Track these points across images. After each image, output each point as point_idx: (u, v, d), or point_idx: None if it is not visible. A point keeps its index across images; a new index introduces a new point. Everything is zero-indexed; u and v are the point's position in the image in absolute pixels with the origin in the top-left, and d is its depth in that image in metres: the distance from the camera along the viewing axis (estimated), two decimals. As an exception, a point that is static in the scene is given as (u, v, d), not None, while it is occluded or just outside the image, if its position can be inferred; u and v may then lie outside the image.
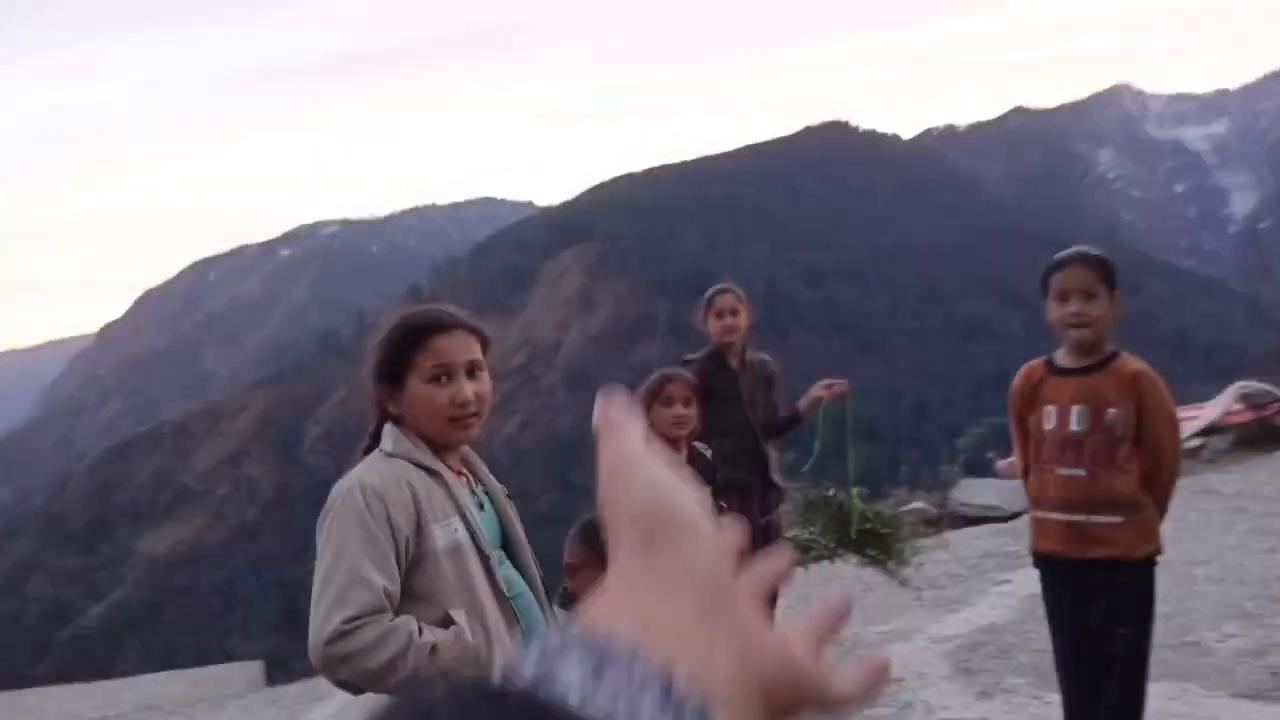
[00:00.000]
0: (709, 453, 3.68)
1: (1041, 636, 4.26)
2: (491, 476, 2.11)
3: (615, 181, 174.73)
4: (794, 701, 0.35)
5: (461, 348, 1.95)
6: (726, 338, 4.07)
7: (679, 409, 3.39)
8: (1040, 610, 4.62)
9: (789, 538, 4.03)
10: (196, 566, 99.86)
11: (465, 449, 2.05)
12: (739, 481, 3.91)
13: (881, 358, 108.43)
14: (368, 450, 2.00)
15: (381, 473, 1.84)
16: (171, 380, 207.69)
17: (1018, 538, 6.19)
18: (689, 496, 0.37)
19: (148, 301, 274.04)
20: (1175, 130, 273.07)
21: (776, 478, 4.10)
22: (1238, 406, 7.64)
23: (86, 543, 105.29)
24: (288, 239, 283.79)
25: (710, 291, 4.21)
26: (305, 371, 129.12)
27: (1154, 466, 2.58)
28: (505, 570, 1.96)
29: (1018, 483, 7.92)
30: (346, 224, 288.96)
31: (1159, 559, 2.61)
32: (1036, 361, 2.77)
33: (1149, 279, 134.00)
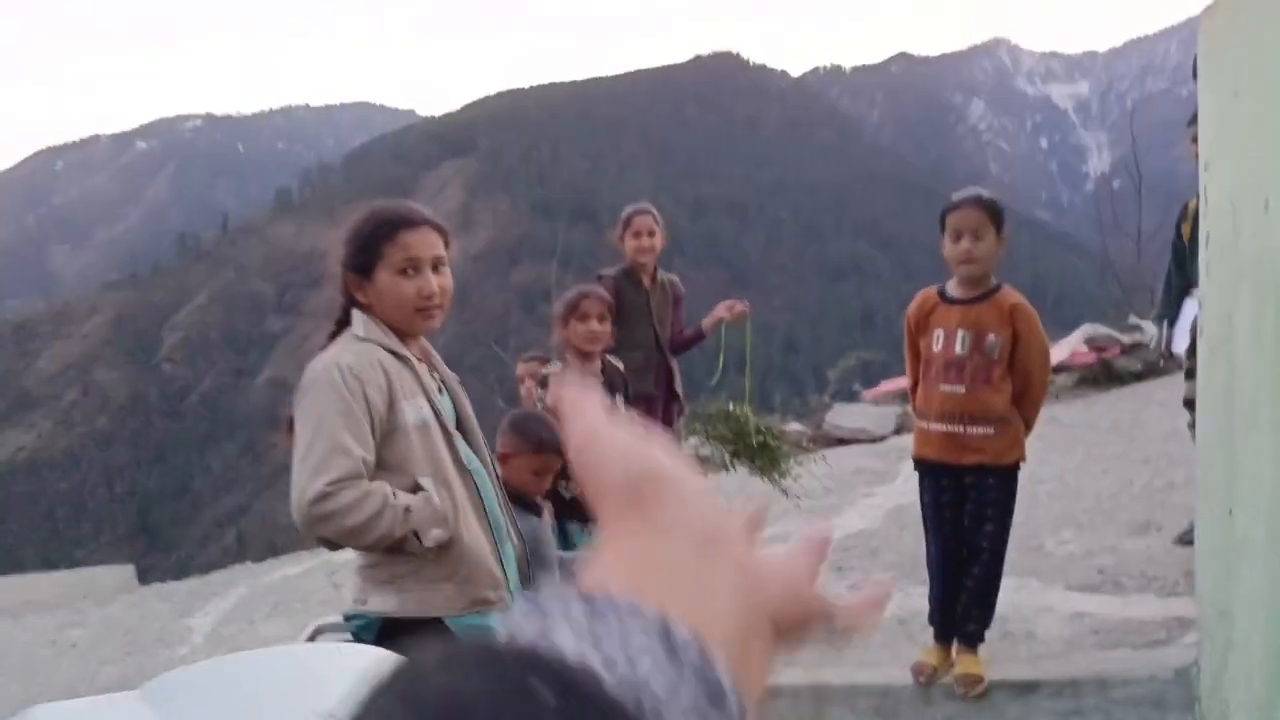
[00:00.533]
0: (620, 365, 3.90)
1: (903, 540, 4.75)
2: (444, 365, 2.28)
3: (500, 96, 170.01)
4: (802, 629, 0.36)
5: (428, 243, 2.11)
6: (641, 257, 4.26)
7: (594, 324, 3.60)
8: (902, 518, 5.13)
9: (691, 448, 4.30)
10: (41, 475, 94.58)
11: (422, 340, 2.21)
12: (645, 393, 4.17)
13: (757, 292, 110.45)
14: (334, 334, 2.14)
15: (356, 354, 1.99)
16: (13, 277, 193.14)
17: (884, 457, 6.74)
18: (664, 452, 0.37)
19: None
20: (1044, 87, 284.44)
21: (679, 390, 4.38)
22: (1083, 348, 8.36)
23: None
24: (144, 131, 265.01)
25: (628, 211, 4.37)
26: (163, 274, 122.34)
27: (1024, 386, 2.96)
28: (462, 447, 2.15)
29: (885, 408, 8.45)
30: (210, 119, 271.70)
31: (1022, 465, 3.01)
32: (930, 290, 3.10)
33: (1010, 229, 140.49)
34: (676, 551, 0.33)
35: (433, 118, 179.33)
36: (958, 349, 2.94)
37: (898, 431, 7.48)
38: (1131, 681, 2.83)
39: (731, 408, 4.34)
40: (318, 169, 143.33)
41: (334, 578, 6.08)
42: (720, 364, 4.56)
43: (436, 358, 2.26)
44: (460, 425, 2.21)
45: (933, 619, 3.11)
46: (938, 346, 2.98)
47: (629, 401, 3.89)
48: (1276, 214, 2.12)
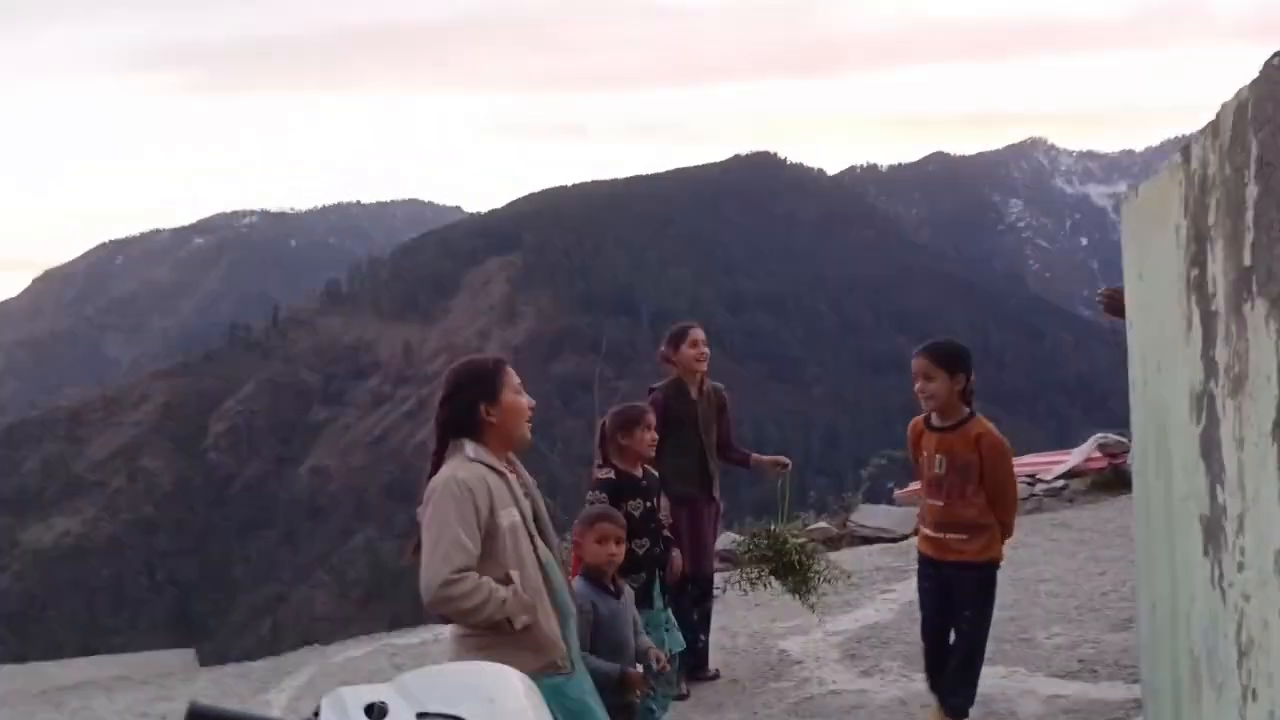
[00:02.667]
0: (655, 473, 4.55)
1: (913, 632, 5.26)
2: (526, 473, 2.98)
3: (545, 194, 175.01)
4: None
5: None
6: (699, 366, 4.90)
7: (652, 434, 4.29)
8: (914, 611, 5.64)
9: (739, 572, 4.94)
10: (84, 561, 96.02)
11: (510, 455, 2.91)
12: (689, 495, 4.79)
13: (796, 385, 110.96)
14: (434, 461, 2.84)
15: (468, 471, 2.70)
16: (71, 365, 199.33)
17: (903, 555, 7.24)
18: None
19: (48, 282, 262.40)
20: (1083, 186, 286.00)
21: (716, 494, 4.99)
22: (1096, 454, 8.85)
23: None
24: (202, 227, 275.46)
25: (681, 325, 5.04)
26: (213, 363, 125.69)
27: (996, 498, 3.60)
28: (538, 542, 2.83)
29: (909, 509, 8.95)
30: (265, 215, 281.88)
31: (1000, 564, 3.63)
32: (919, 418, 3.78)
33: (1052, 325, 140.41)
34: None
35: (479, 214, 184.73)
36: (936, 469, 3.60)
37: (916, 532, 7.99)
38: (1089, 752, 3.35)
39: (773, 527, 4.95)
40: (368, 263, 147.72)
41: (394, 659, 6.67)
42: (780, 509, 5.13)
43: (520, 467, 2.96)
44: (536, 521, 2.90)
45: (929, 684, 3.72)
46: (924, 466, 3.65)
47: (669, 501, 4.53)
48: (1163, 373, 2.76)
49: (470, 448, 2.76)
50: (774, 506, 5.30)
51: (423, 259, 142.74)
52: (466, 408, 2.79)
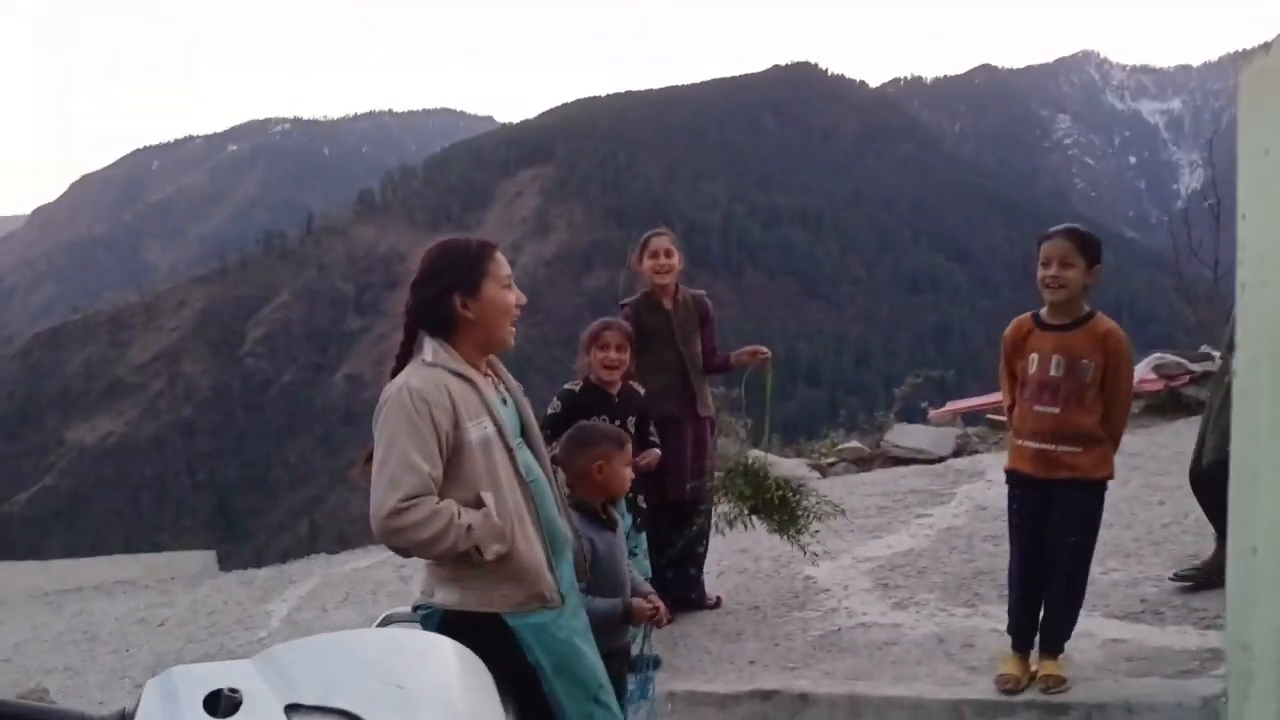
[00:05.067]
0: (641, 390, 4.11)
1: (951, 561, 4.85)
2: (510, 376, 2.52)
3: (578, 104, 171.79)
4: None
5: (507, 262, 2.41)
6: (659, 279, 4.42)
7: (612, 354, 3.90)
8: (953, 539, 5.23)
9: (716, 507, 4.38)
10: (127, 460, 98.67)
11: (492, 357, 2.46)
12: (671, 414, 4.33)
13: (830, 303, 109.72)
14: (400, 357, 2.38)
15: (423, 378, 2.23)
16: (109, 269, 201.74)
17: (940, 478, 6.79)
18: None
19: (85, 186, 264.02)
20: (1134, 102, 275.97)
21: (705, 411, 4.51)
22: (1151, 376, 8.27)
23: (13, 430, 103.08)
24: (235, 134, 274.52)
25: (645, 235, 4.55)
26: (249, 270, 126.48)
27: (1113, 407, 3.14)
28: (524, 455, 2.39)
29: (947, 429, 8.47)
30: (298, 123, 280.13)
31: (1109, 483, 3.17)
32: (1026, 316, 3.30)
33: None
34: None
35: (511, 124, 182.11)
36: (1052, 372, 3.12)
37: (957, 454, 7.53)
38: (1157, 708, 2.93)
39: (750, 460, 4.40)
40: (400, 172, 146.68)
41: (401, 571, 6.40)
42: (745, 409, 4.65)
43: (503, 369, 2.50)
44: (524, 433, 2.45)
45: (1012, 628, 3.28)
46: (1033, 369, 3.18)
47: (652, 424, 4.09)
48: (1297, 267, 2.23)
49: (430, 349, 2.30)
50: (805, 424, 4.81)
51: (455, 169, 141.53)
52: (439, 298, 2.32)
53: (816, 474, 7.41)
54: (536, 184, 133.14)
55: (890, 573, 4.77)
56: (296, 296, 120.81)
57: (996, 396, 11.01)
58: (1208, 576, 3.94)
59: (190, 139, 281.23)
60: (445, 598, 2.28)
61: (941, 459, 7.41)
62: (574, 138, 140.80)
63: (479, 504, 2.22)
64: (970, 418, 10.14)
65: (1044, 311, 3.26)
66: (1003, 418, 8.27)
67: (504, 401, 2.42)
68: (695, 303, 4.60)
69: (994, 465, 6.91)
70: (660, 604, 2.88)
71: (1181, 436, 7.18)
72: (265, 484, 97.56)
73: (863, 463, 7.70)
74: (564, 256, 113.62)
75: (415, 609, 2.37)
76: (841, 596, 4.49)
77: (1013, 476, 3.30)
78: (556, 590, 2.34)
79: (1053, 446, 3.14)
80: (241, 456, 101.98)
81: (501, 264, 2.38)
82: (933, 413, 11.26)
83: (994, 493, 6.17)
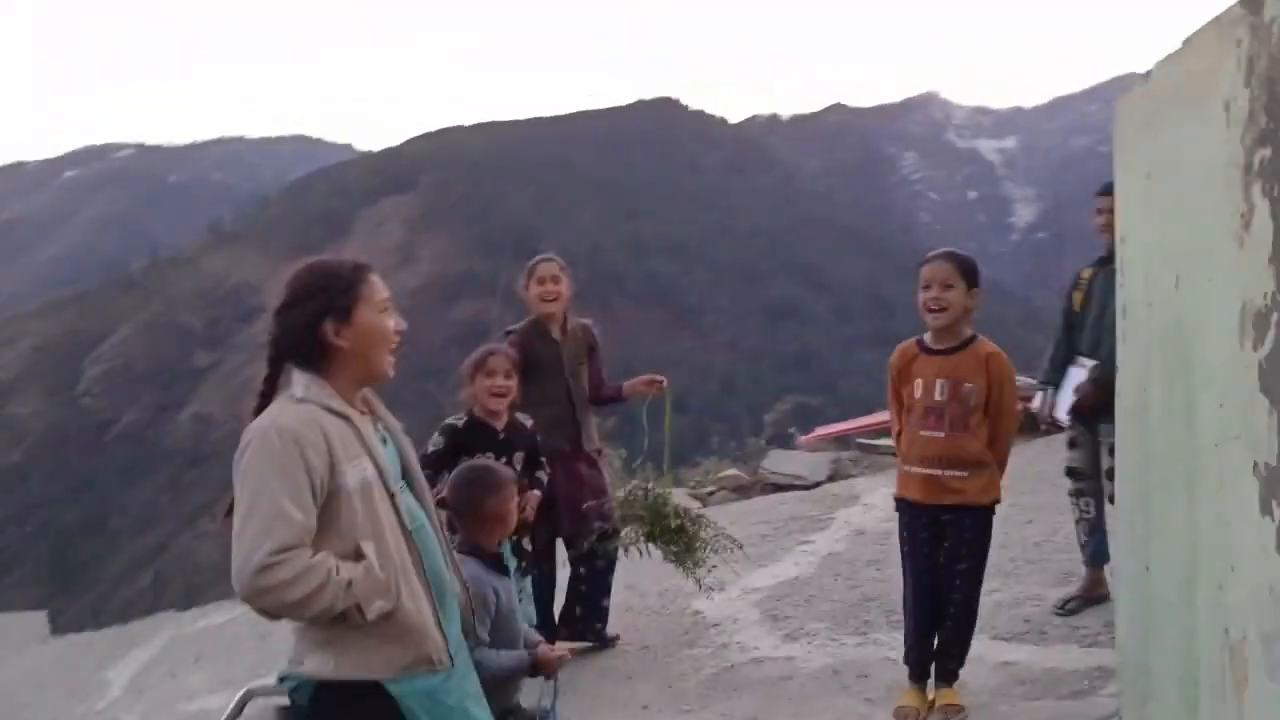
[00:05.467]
0: (529, 423, 3.93)
1: (837, 588, 4.82)
2: (389, 414, 2.28)
3: (442, 133, 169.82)
4: None
5: (384, 285, 2.17)
6: (545, 307, 4.27)
7: (500, 380, 3.72)
8: (836, 565, 5.21)
9: (607, 549, 4.18)
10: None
11: (365, 390, 2.22)
12: (558, 448, 4.16)
13: (697, 332, 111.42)
14: (263, 394, 2.12)
15: (294, 416, 1.97)
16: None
17: (819, 503, 6.83)
18: None
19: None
20: (973, 141, 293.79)
21: (590, 445, 4.36)
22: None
23: None
24: (74, 159, 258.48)
25: (532, 260, 4.40)
26: (86, 304, 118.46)
27: (998, 432, 3.12)
28: (407, 500, 2.15)
29: (821, 455, 8.55)
30: (142, 149, 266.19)
31: (997, 507, 3.16)
32: (910, 341, 3.26)
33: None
34: None
35: (371, 152, 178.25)
36: (937, 396, 3.08)
37: (832, 479, 7.60)
38: (1054, 732, 2.92)
39: (650, 485, 4.29)
40: (255, 201, 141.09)
41: (258, 628, 5.92)
42: (645, 445, 4.55)
43: (381, 407, 2.27)
44: (405, 475, 2.22)
45: (908, 658, 3.21)
46: (918, 394, 3.14)
47: (540, 458, 3.91)
48: (1185, 289, 2.26)
49: (300, 383, 2.05)
50: (675, 450, 4.68)
51: (313, 197, 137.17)
52: (308, 326, 2.07)
53: (698, 503, 7.33)
54: (400, 213, 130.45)
55: (778, 603, 4.70)
56: (139, 331, 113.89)
57: (864, 420, 11.30)
58: (1086, 602, 4.02)
59: (22, 165, 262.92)
60: (318, 666, 2.01)
61: (818, 484, 7.46)
62: (439, 167, 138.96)
63: (358, 556, 1.98)
64: (839, 442, 10.33)
65: (928, 336, 3.26)
66: (876, 441, 8.46)
67: (383, 441, 2.19)
68: (584, 331, 4.45)
69: (868, 489, 7.01)
70: (564, 649, 2.70)
71: (1042, 456, 7.46)
72: (105, 531, 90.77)
73: (742, 490, 7.68)
74: (430, 287, 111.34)
75: (281, 680, 2.10)
76: (732, 630, 4.38)
77: (902, 504, 3.27)
78: (445, 651, 2.11)
79: (940, 472, 3.12)
80: (79, 503, 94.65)
81: (378, 287, 2.14)
82: (802, 439, 11.43)
83: (871, 516, 6.23)
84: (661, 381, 4.38)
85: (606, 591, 4.37)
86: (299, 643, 2.06)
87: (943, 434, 3.09)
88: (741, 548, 4.51)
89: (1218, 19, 2.03)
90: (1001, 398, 3.13)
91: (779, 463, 7.76)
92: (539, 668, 2.59)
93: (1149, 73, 2.53)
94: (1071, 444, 4.09)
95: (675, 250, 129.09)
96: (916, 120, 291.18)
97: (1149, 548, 2.54)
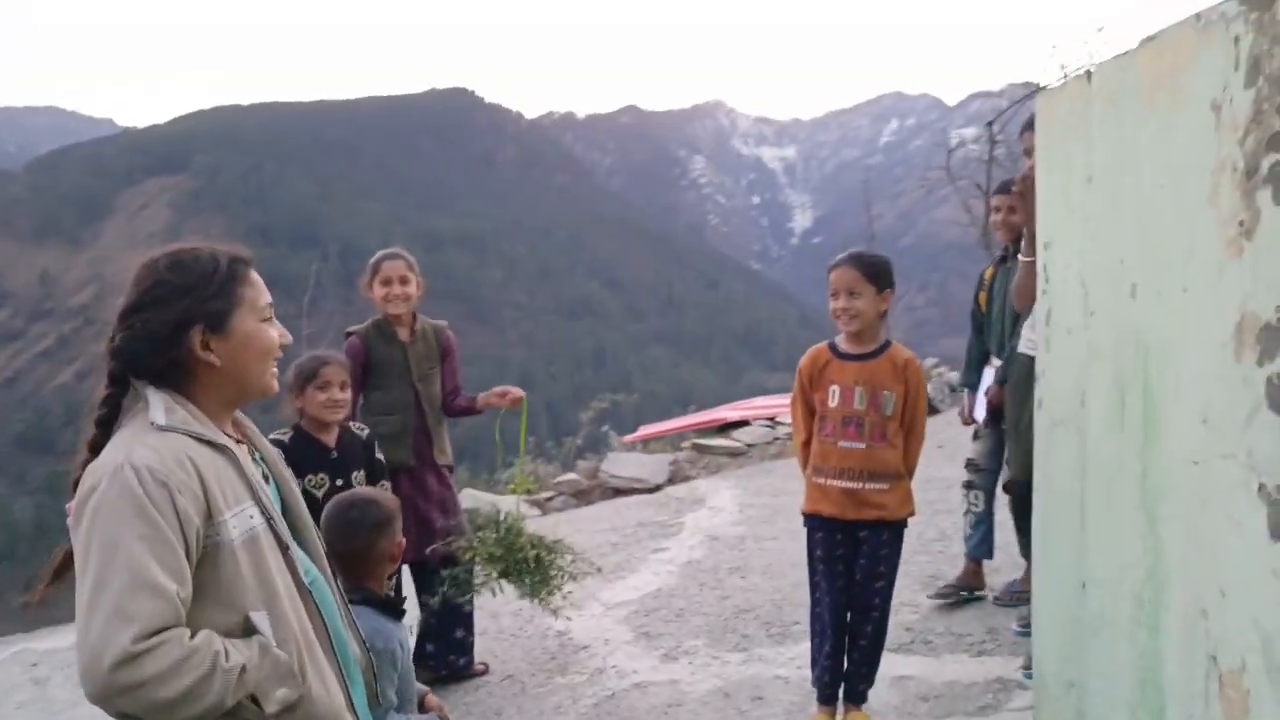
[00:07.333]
0: (364, 433, 3.51)
1: (707, 600, 4.63)
2: (265, 442, 1.83)
3: (217, 111, 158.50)
4: None
5: (264, 285, 1.73)
6: (392, 308, 3.86)
7: (335, 393, 3.34)
8: (699, 575, 5.02)
9: (458, 575, 3.75)
10: None
11: (238, 412, 1.76)
12: (403, 463, 3.75)
13: (493, 328, 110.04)
14: (103, 420, 1.63)
15: (157, 450, 1.50)
16: None
17: (664, 507, 6.66)
18: None
19: None
20: (757, 148, 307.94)
21: (443, 459, 3.97)
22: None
23: None
24: None
25: (376, 256, 3.98)
26: None
27: (911, 441, 2.99)
28: (299, 557, 1.71)
29: (660, 457, 8.38)
30: None
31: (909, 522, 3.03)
32: (822, 345, 3.05)
33: (726, 277, 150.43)
34: None
35: (135, 129, 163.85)
36: (856, 404, 2.91)
37: (671, 481, 7.47)
38: (973, 752, 2.83)
39: (503, 516, 3.91)
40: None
41: (34, 672, 5.03)
42: (499, 459, 4.20)
43: (255, 433, 1.81)
44: (286, 515, 1.77)
45: (820, 680, 3.03)
46: (834, 402, 2.97)
47: (381, 474, 3.50)
48: (1145, 299, 2.19)
49: (160, 405, 1.57)
50: (473, 449, 4.32)
51: (67, 175, 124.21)
52: (169, 336, 1.60)
53: (537, 510, 6.98)
54: (166, 195, 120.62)
55: (647, 619, 4.45)
56: None
57: (688, 420, 11.29)
58: (962, 591, 4.06)
59: None
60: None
61: (659, 487, 7.30)
62: (213, 148, 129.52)
63: (247, 630, 1.53)
64: (663, 441, 10.26)
65: (840, 340, 3.10)
66: (710, 441, 8.41)
67: (265, 478, 1.74)
68: (436, 334, 4.03)
69: (711, 491, 6.92)
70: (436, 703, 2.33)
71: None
72: None
73: (581, 495, 7.40)
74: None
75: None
76: (604, 653, 4.09)
77: (814, 521, 3.08)
78: (359, 730, 1.70)
79: (860, 485, 2.97)
80: None
81: (259, 288, 1.70)
82: (624, 438, 11.29)
83: (720, 520, 6.13)
84: (519, 394, 4.03)
85: (463, 622, 3.96)
86: None
87: (863, 444, 2.94)
88: (600, 570, 4.24)
89: (1198, 17, 1.95)
90: (916, 406, 3.02)
91: (618, 465, 7.53)
92: None
93: (1088, 72, 2.46)
94: (975, 436, 4.13)
95: (470, 244, 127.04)
96: (705, 126, 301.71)
97: (1085, 564, 2.47)
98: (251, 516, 1.59)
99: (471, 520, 4.00)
